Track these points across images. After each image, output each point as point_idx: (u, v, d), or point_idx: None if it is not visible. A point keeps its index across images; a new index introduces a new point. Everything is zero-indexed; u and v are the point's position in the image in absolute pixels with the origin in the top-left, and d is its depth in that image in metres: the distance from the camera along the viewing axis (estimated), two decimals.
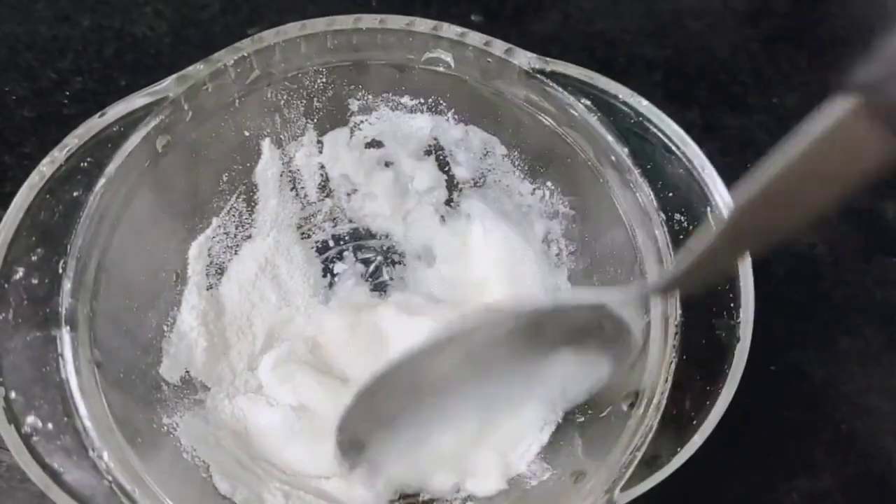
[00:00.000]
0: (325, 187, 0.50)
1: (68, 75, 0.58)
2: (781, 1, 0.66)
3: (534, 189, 0.48)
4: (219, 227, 0.47)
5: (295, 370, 0.46)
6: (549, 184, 0.48)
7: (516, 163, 0.48)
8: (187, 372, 0.45)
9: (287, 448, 0.44)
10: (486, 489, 0.43)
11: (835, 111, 0.25)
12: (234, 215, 0.48)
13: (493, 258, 0.51)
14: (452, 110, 0.47)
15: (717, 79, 0.62)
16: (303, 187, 0.50)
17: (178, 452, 0.41)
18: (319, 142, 0.48)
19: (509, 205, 0.50)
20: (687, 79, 0.62)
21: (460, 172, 0.50)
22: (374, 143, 0.49)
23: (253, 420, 0.45)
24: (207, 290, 0.47)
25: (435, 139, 0.49)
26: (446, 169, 0.50)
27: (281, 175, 0.49)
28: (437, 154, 0.50)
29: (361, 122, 0.48)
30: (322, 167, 0.49)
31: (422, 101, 0.47)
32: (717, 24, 0.64)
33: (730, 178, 0.41)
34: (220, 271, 0.48)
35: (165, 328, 0.44)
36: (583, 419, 0.44)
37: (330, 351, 0.48)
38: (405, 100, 0.47)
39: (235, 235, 0.48)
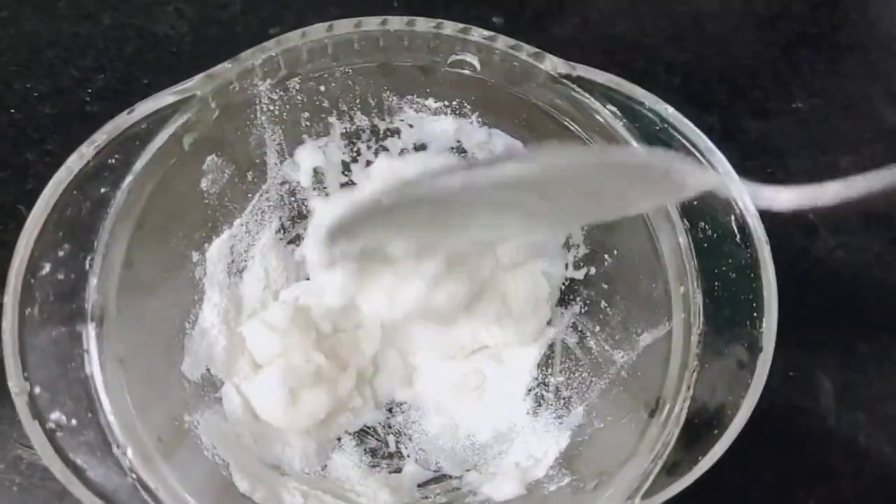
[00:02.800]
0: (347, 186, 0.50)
1: (90, 73, 0.59)
2: (801, 6, 0.65)
3: None
4: (241, 225, 0.47)
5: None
6: None
7: None
8: (208, 370, 0.45)
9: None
10: (505, 494, 0.43)
11: None
12: (256, 213, 0.48)
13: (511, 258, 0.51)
14: (476, 113, 0.47)
15: (736, 83, 0.62)
16: (325, 186, 0.50)
17: (199, 450, 0.41)
18: (344, 139, 0.48)
19: None
20: (706, 83, 0.62)
21: None
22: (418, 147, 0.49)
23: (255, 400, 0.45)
24: (229, 288, 0.47)
25: (458, 141, 0.49)
26: None
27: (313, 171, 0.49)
28: (460, 156, 0.50)
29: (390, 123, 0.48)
30: (345, 165, 0.49)
31: (446, 103, 0.47)
32: (736, 28, 0.64)
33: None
34: (242, 269, 0.48)
35: (187, 325, 0.45)
36: (602, 426, 0.44)
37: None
38: (429, 102, 0.47)
39: (258, 233, 0.48)
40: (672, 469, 0.37)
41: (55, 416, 0.36)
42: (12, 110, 0.57)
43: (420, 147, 0.49)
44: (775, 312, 0.39)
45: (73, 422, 0.36)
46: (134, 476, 0.35)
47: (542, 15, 0.63)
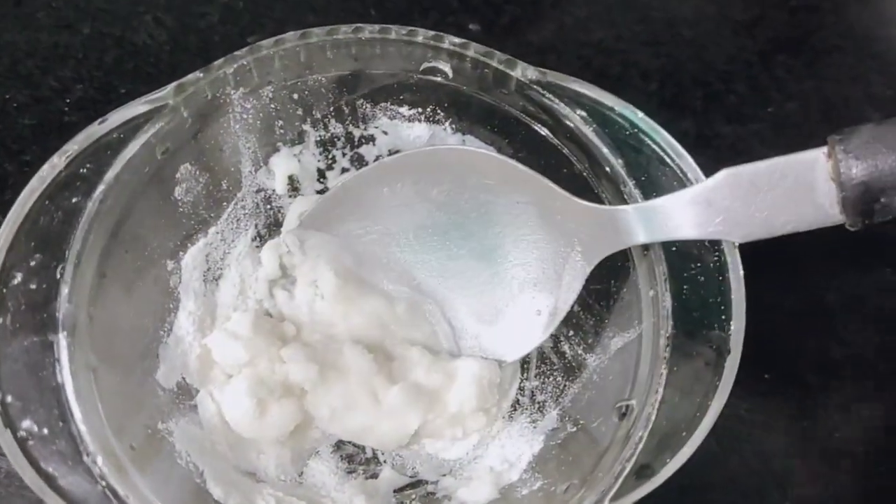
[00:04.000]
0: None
1: (69, 83, 0.59)
2: (778, 11, 0.66)
3: None
4: (217, 233, 0.47)
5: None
6: None
7: None
8: (183, 378, 0.45)
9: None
10: (479, 497, 0.44)
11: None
12: (232, 222, 0.48)
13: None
14: (450, 120, 0.47)
15: (712, 88, 0.62)
16: (301, 194, 0.50)
17: (173, 458, 0.41)
18: (319, 147, 0.49)
19: None
20: (682, 88, 0.62)
21: None
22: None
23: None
24: (204, 296, 0.47)
25: (435, 146, 0.49)
26: None
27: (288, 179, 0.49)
28: None
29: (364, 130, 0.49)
30: (321, 173, 0.50)
31: (420, 110, 0.47)
32: (712, 33, 0.65)
33: None
34: (218, 277, 0.48)
35: (162, 334, 0.45)
36: (574, 429, 0.44)
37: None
38: (403, 109, 0.47)
39: (233, 241, 0.49)
40: (642, 471, 0.38)
41: (27, 424, 0.36)
42: None
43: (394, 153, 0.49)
44: (743, 315, 0.39)
45: (45, 430, 0.36)
46: (104, 484, 0.35)
47: (518, 22, 0.63)
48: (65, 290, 0.38)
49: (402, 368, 0.47)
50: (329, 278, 0.48)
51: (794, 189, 0.35)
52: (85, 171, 0.40)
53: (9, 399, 0.36)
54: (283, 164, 0.49)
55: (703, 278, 0.41)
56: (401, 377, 0.46)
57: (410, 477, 0.47)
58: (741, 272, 0.40)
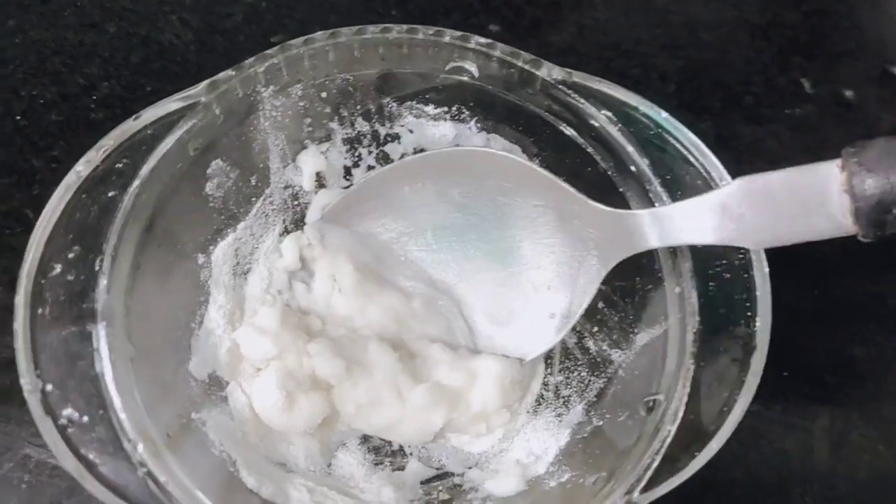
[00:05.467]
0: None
1: (95, 81, 0.60)
2: (793, 14, 0.67)
3: None
4: (246, 228, 0.48)
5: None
6: None
7: None
8: (214, 369, 0.46)
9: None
10: (506, 489, 0.44)
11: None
12: (260, 217, 0.49)
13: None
14: (475, 118, 0.48)
15: (730, 90, 0.63)
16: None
17: (207, 447, 0.41)
18: (345, 145, 0.49)
19: None
20: (700, 90, 0.63)
21: None
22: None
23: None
24: (234, 290, 0.48)
25: (457, 146, 0.50)
26: None
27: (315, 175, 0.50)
28: None
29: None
30: (347, 170, 0.50)
31: (445, 109, 0.48)
32: (730, 35, 0.65)
33: None
34: (247, 272, 0.49)
35: (194, 326, 0.45)
36: (601, 423, 0.44)
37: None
38: (429, 108, 0.48)
39: (262, 236, 0.49)
40: (670, 465, 0.38)
41: (67, 412, 0.37)
42: (18, 117, 0.58)
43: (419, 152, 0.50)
44: (769, 311, 0.40)
45: (85, 418, 0.37)
46: (144, 470, 0.36)
47: (539, 23, 0.64)
48: (103, 282, 0.39)
49: (425, 367, 0.47)
50: (348, 272, 0.48)
51: (808, 199, 0.36)
52: (120, 166, 0.41)
53: (48, 388, 0.37)
54: (311, 161, 0.49)
55: (728, 275, 0.41)
56: (424, 376, 0.47)
57: (437, 469, 0.47)
58: (766, 269, 0.41)
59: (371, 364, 0.47)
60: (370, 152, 0.50)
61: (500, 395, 0.47)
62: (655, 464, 0.38)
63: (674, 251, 0.42)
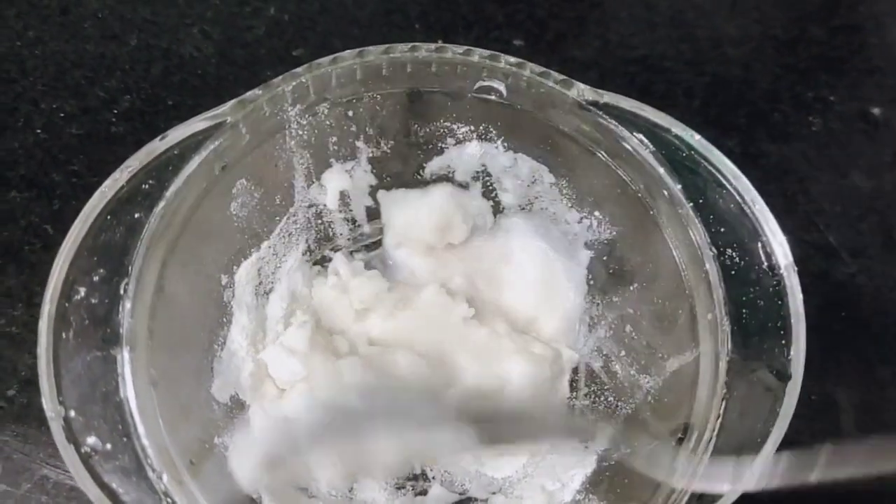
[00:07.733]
0: (373, 209, 0.51)
1: (116, 94, 0.59)
2: (819, 30, 0.66)
3: (581, 218, 0.49)
4: (269, 247, 0.48)
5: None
6: (596, 213, 0.48)
7: (564, 191, 0.48)
8: (236, 392, 0.45)
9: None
10: None
11: None
12: (284, 236, 0.48)
13: (530, 278, 0.51)
14: (502, 138, 0.47)
15: (756, 106, 0.62)
16: (351, 209, 0.50)
17: (229, 473, 0.41)
18: (370, 164, 0.49)
19: (555, 231, 0.50)
20: (726, 106, 0.62)
21: (507, 198, 0.50)
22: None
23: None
24: (256, 309, 0.47)
25: (483, 165, 0.49)
26: (493, 195, 0.51)
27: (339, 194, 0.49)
28: (484, 181, 0.50)
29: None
30: (372, 188, 0.50)
31: (472, 128, 0.47)
32: (755, 51, 0.65)
33: (770, 206, 0.41)
34: (269, 291, 0.48)
35: (217, 348, 0.45)
36: (629, 451, 0.44)
37: None
38: (456, 127, 0.47)
39: (284, 255, 0.49)
40: (702, 497, 0.37)
41: (91, 440, 0.36)
42: (38, 130, 0.58)
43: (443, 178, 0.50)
44: (803, 340, 0.39)
45: (108, 446, 0.36)
46: (169, 501, 0.36)
47: (562, 37, 0.63)
48: (128, 305, 0.38)
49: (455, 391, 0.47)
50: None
51: None
52: (146, 187, 0.40)
53: (72, 414, 0.36)
54: (335, 180, 0.49)
55: (762, 302, 0.40)
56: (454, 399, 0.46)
57: (460, 494, 0.47)
58: (800, 297, 0.40)
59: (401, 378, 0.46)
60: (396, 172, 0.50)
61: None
62: (687, 497, 0.37)
63: (705, 277, 0.42)
